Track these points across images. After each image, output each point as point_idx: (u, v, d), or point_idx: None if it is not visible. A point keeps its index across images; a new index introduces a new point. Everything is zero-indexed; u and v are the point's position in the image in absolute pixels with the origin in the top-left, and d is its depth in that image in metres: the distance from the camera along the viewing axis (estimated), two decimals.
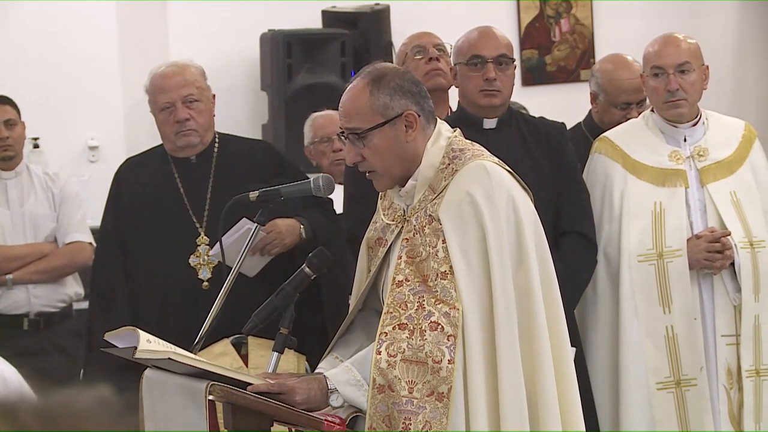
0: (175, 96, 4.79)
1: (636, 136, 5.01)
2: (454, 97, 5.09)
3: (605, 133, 5.12)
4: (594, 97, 5.64)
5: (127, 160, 5.18)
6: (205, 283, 4.76)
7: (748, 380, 4.78)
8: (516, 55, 5.02)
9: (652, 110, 5.04)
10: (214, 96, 4.93)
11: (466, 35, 4.88)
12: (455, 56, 4.89)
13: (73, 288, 6.16)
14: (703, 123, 5.00)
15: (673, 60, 4.90)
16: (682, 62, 4.90)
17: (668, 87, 4.88)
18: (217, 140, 4.93)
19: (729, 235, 4.81)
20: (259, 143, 5.53)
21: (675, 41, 4.97)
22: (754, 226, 4.88)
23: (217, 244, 4.32)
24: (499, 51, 4.79)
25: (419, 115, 3.65)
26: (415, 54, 5.10)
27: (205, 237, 4.79)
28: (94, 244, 6.05)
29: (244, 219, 4.49)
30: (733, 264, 4.83)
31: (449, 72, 4.99)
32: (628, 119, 5.40)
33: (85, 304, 6.01)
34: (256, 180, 4.53)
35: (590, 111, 5.71)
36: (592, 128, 5.60)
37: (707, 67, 5.00)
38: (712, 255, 4.80)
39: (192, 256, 4.79)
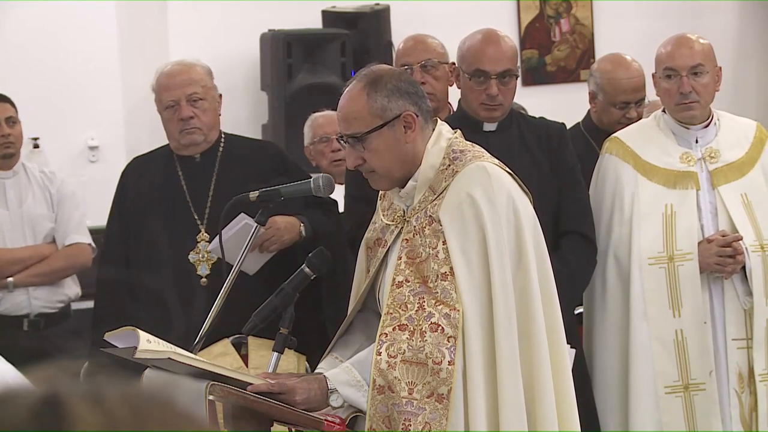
0: (179, 94, 4.82)
1: (647, 137, 4.92)
2: (454, 95, 5.06)
3: (616, 134, 5.03)
4: (592, 97, 5.63)
5: (134, 158, 5.20)
6: (204, 279, 4.78)
7: (761, 384, 4.72)
8: None
9: (663, 111, 4.95)
10: (220, 96, 4.95)
11: (470, 41, 4.79)
12: (459, 60, 4.81)
13: (72, 289, 6.16)
14: (715, 124, 4.92)
15: (686, 62, 4.80)
16: (695, 64, 4.80)
17: (681, 89, 4.79)
18: (222, 139, 4.95)
19: (741, 239, 4.74)
20: (264, 144, 5.56)
21: (688, 42, 4.87)
22: (765, 229, 4.80)
23: (216, 238, 4.33)
24: (503, 67, 4.71)
25: (417, 116, 3.64)
26: None
27: (205, 234, 4.81)
28: (93, 245, 6.07)
29: (243, 214, 4.49)
30: (743, 267, 4.76)
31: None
32: (627, 119, 5.38)
33: (83, 304, 6.04)
34: (258, 180, 4.54)
35: (588, 111, 5.70)
36: (590, 128, 5.60)
37: (720, 68, 4.90)
38: (723, 260, 4.73)
39: (192, 252, 4.80)
